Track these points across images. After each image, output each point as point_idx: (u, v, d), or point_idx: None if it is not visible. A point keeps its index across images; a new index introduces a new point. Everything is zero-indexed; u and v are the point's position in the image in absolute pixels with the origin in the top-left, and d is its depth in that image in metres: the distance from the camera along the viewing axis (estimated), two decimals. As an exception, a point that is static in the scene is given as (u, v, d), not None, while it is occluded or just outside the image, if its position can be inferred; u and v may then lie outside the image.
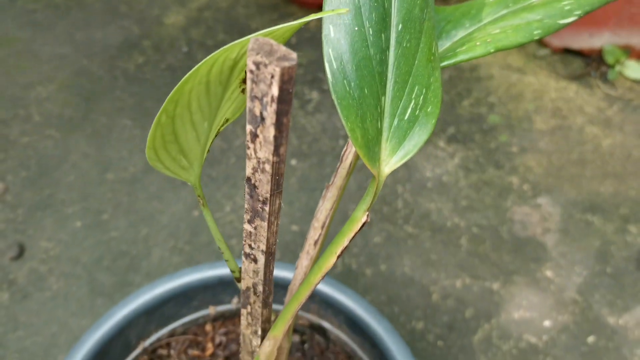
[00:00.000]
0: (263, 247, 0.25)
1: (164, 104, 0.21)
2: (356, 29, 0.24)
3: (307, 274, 0.31)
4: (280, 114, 0.19)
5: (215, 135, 0.26)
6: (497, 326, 0.66)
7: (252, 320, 0.29)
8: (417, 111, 0.25)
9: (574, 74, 0.98)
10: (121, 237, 0.74)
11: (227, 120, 0.25)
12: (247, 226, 0.25)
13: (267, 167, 0.21)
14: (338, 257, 0.27)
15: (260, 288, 0.27)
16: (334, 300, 0.47)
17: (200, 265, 0.49)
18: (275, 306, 0.37)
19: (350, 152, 0.31)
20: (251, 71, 0.19)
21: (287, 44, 0.99)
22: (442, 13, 0.32)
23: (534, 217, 0.77)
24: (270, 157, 0.21)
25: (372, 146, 0.24)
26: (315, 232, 0.31)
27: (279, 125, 0.20)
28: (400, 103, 0.25)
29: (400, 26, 0.25)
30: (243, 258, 0.26)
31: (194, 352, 0.49)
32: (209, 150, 0.26)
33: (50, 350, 0.64)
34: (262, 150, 0.21)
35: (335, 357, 0.49)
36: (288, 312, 0.28)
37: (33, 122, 0.88)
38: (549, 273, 0.71)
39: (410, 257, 0.72)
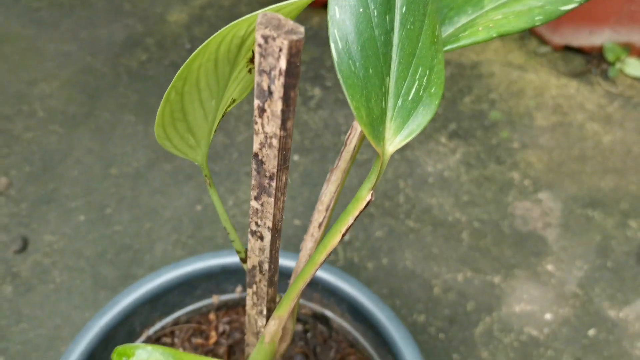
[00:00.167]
0: (269, 223, 0.25)
1: (172, 81, 0.22)
2: (361, 10, 0.24)
3: (311, 256, 0.32)
4: (287, 88, 0.20)
5: (222, 116, 0.26)
6: (498, 319, 0.66)
7: (258, 299, 0.30)
8: (421, 92, 0.25)
9: (575, 71, 0.98)
10: (124, 231, 0.74)
11: (233, 100, 0.26)
12: (253, 203, 0.25)
13: (275, 141, 0.22)
14: (343, 235, 0.27)
15: (266, 266, 0.27)
16: (336, 289, 0.47)
17: (204, 254, 0.49)
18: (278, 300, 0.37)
19: (354, 135, 0.31)
20: (259, 45, 0.19)
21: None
22: (445, 0, 0.33)
23: (535, 212, 0.77)
24: (278, 132, 0.21)
25: (376, 125, 0.24)
26: (319, 215, 0.32)
27: (286, 99, 0.20)
28: (404, 84, 0.25)
29: (404, 8, 0.25)
30: (249, 236, 0.27)
31: (197, 340, 0.49)
32: (215, 130, 0.26)
33: (53, 342, 0.64)
34: (269, 125, 0.21)
35: (337, 346, 0.50)
36: (293, 292, 0.29)
37: (37, 118, 0.89)
38: (549, 267, 0.71)
39: (411, 251, 0.73)
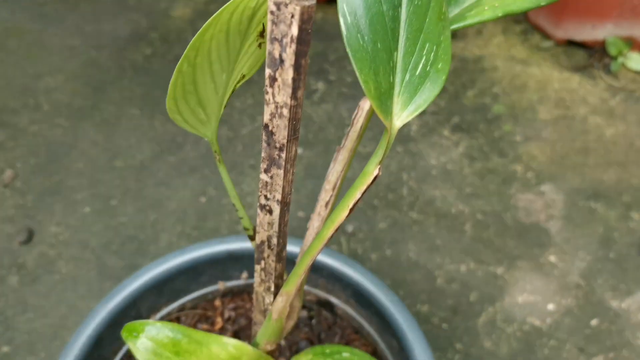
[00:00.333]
0: (279, 196, 0.26)
1: (185, 52, 0.22)
2: (369, -15, 0.25)
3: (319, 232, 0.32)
4: (299, 55, 0.20)
5: (232, 92, 0.27)
6: (501, 309, 0.67)
7: (266, 276, 0.30)
8: (428, 67, 0.26)
9: (577, 65, 0.99)
10: (129, 222, 0.75)
11: (243, 76, 0.26)
12: (263, 176, 0.25)
13: (285, 111, 0.22)
14: (350, 210, 0.27)
15: (274, 240, 0.28)
16: (341, 274, 0.47)
17: (210, 240, 0.49)
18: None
19: (361, 115, 0.32)
20: (272, 12, 0.19)
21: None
22: (451, -18, 0.33)
23: (538, 204, 0.77)
24: (288, 101, 0.22)
25: (384, 99, 0.25)
26: (326, 194, 0.32)
27: (297, 67, 0.21)
28: (411, 59, 0.26)
29: (411, -16, 0.26)
30: (258, 210, 0.27)
31: (203, 326, 0.50)
32: (225, 105, 0.27)
33: (59, 331, 0.65)
34: (280, 94, 0.22)
35: (342, 332, 0.50)
36: (301, 267, 0.29)
37: (42, 111, 0.89)
38: (552, 258, 0.72)
39: (415, 243, 0.73)
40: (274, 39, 0.20)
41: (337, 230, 0.28)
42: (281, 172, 0.24)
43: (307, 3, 0.19)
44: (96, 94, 0.92)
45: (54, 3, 1.10)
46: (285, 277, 0.32)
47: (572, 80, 0.97)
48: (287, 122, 0.22)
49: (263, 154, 0.24)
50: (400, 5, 0.25)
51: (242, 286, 0.51)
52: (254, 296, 0.32)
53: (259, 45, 0.25)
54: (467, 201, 0.78)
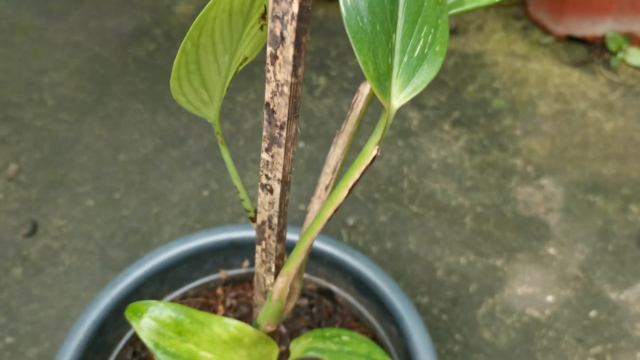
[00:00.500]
0: (279, 175, 0.26)
1: (189, 31, 0.23)
2: (368, -31, 0.25)
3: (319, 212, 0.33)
4: (299, 33, 0.21)
5: (234, 74, 0.27)
6: (500, 301, 0.67)
7: (267, 256, 0.31)
8: (426, 49, 0.27)
9: (577, 60, 0.99)
10: (133, 215, 0.76)
11: (245, 58, 0.27)
12: (264, 155, 0.26)
13: (286, 89, 0.23)
14: (350, 191, 0.28)
15: (275, 220, 0.28)
16: (342, 262, 0.48)
17: (213, 228, 0.50)
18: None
19: (360, 100, 0.32)
20: (273, -10, 0.20)
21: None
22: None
23: (537, 197, 0.78)
24: (289, 79, 0.22)
25: (383, 80, 0.26)
26: (326, 177, 0.33)
27: (298, 45, 0.21)
28: (410, 41, 0.26)
29: (409, -32, 0.26)
30: (259, 190, 0.28)
31: (205, 313, 0.50)
32: (228, 87, 0.28)
33: (62, 322, 0.65)
34: (281, 72, 0.22)
35: (342, 320, 0.51)
36: (301, 247, 0.30)
37: (46, 106, 0.90)
38: (551, 250, 0.72)
39: (415, 235, 0.73)
40: (275, 17, 0.21)
41: (336, 210, 0.29)
42: (282, 150, 0.25)
43: (307, -19, 0.19)
44: (100, 89, 0.93)
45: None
46: (285, 259, 0.33)
47: (572, 76, 0.97)
48: (287, 100, 0.23)
49: (264, 133, 0.25)
50: (398, -12, 0.26)
51: (243, 275, 0.52)
52: (254, 278, 0.33)
53: (261, 28, 0.26)
54: (467, 194, 0.78)
